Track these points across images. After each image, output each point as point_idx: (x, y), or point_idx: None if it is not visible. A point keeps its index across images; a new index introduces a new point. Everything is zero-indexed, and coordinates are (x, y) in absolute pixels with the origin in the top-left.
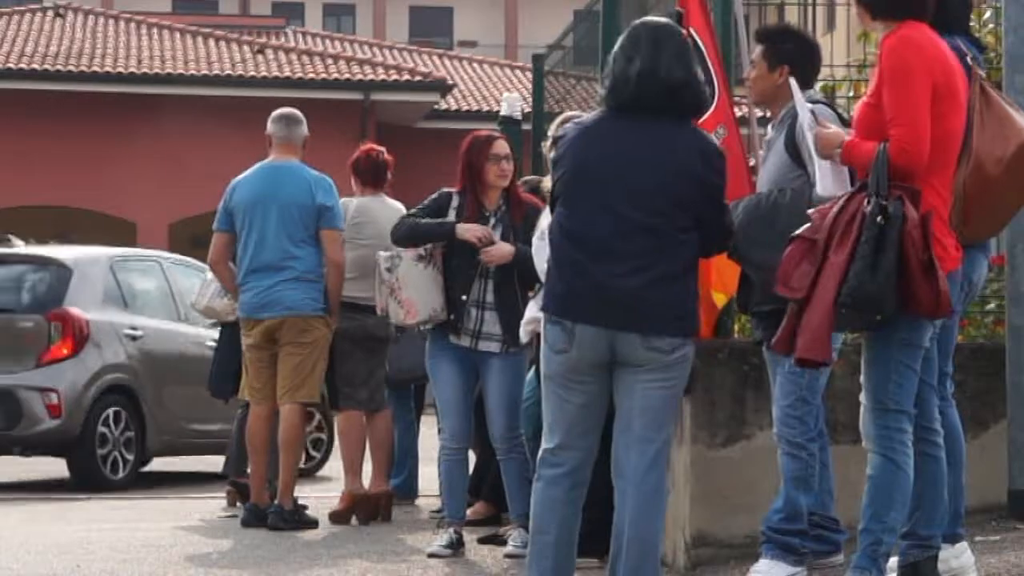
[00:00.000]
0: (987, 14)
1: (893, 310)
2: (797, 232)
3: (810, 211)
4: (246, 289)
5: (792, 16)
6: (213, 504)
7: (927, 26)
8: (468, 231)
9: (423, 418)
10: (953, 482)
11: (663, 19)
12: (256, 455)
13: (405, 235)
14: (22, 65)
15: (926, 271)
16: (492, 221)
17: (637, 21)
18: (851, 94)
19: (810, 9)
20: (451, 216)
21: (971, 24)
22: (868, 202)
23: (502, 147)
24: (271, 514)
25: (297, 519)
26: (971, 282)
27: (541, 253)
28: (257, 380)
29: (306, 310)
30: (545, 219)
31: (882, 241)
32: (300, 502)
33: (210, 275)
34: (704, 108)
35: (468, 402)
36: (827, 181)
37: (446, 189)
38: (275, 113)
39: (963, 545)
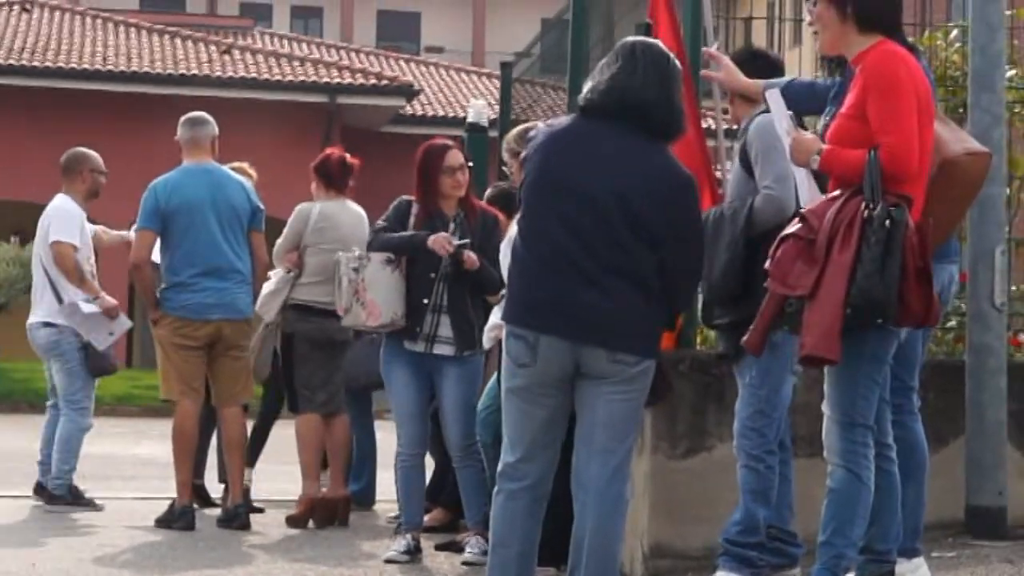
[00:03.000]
0: (953, 33)
1: (893, 315)
2: (788, 231)
3: (803, 209)
4: (195, 290)
5: (759, 31)
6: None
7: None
8: (438, 244)
9: (382, 424)
10: (914, 496)
11: (661, 47)
12: (190, 455)
13: (382, 247)
14: None
15: (920, 278)
16: (452, 227)
17: (633, 40)
18: None
19: (776, 24)
20: (411, 223)
21: (938, 43)
22: (868, 206)
23: (455, 158)
24: (241, 514)
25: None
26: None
27: (507, 259)
28: (195, 379)
29: (249, 313)
30: (514, 226)
31: (890, 244)
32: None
33: None
34: (676, 135)
35: (424, 408)
36: (804, 189)
37: (405, 197)
38: (183, 118)
39: (920, 560)
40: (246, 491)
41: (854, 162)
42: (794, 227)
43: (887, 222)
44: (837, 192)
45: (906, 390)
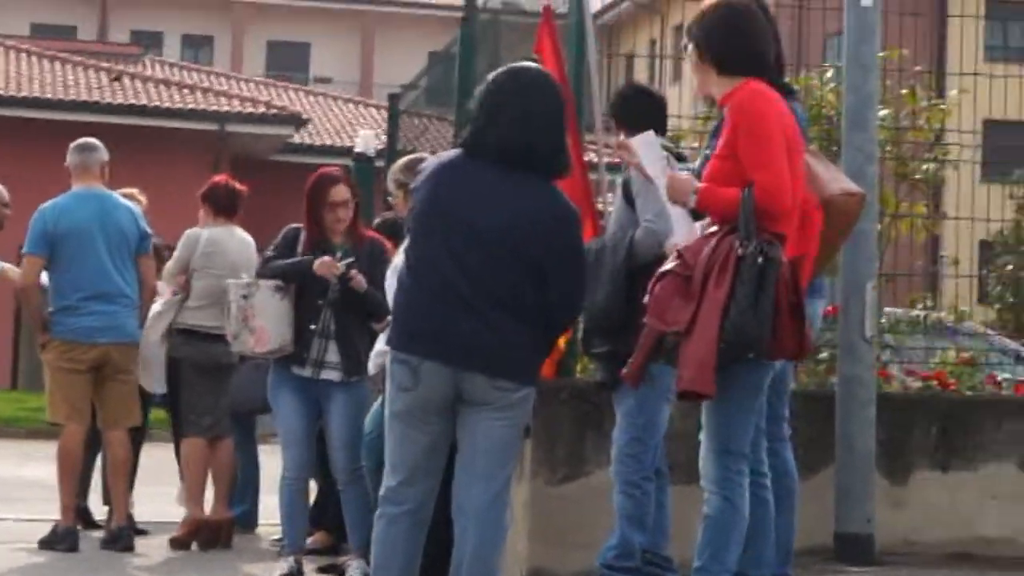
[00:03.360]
0: (828, 73)
1: (765, 349)
2: (667, 267)
3: (678, 247)
4: (83, 314)
5: (641, 67)
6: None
7: (764, 82)
8: (324, 268)
9: (265, 448)
10: (785, 522)
11: (537, 68)
12: (75, 477)
13: (272, 275)
14: None
15: (793, 313)
16: (339, 254)
17: (512, 67)
18: (696, 144)
19: (657, 62)
20: (299, 250)
21: (813, 82)
22: (741, 243)
23: (339, 193)
24: (124, 536)
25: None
26: None
27: (392, 286)
28: (81, 402)
29: (137, 337)
30: (399, 254)
31: (763, 281)
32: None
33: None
34: (564, 174)
35: (310, 433)
36: (680, 227)
37: (293, 226)
38: (73, 144)
39: None
40: (130, 513)
41: (729, 200)
42: (671, 264)
43: (759, 259)
44: (714, 228)
45: (777, 419)
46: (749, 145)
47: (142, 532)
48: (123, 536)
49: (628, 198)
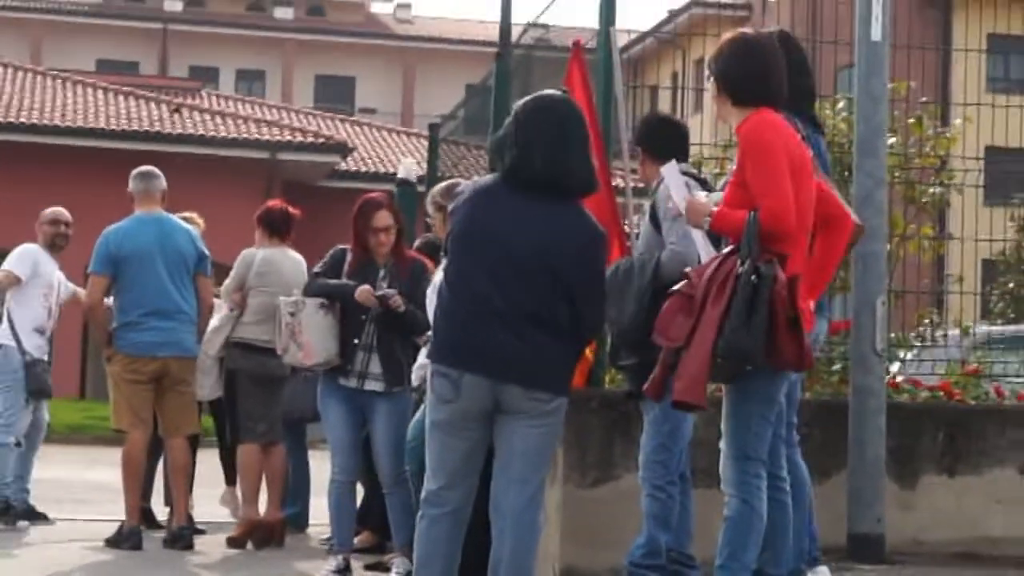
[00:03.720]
0: (840, 103)
1: (762, 362)
2: (675, 288)
3: (687, 269)
4: (144, 329)
5: (664, 98)
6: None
7: (776, 112)
8: (363, 296)
9: (314, 453)
10: (799, 520)
11: (559, 95)
12: (138, 480)
13: (315, 293)
14: None
15: (791, 327)
16: (382, 272)
17: (541, 96)
18: (716, 170)
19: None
20: (346, 270)
21: (825, 112)
22: (742, 263)
23: (382, 220)
24: (185, 535)
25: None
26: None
27: (433, 304)
28: (144, 411)
29: (195, 351)
30: (439, 273)
31: (755, 299)
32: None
33: None
34: (592, 192)
35: (356, 439)
36: (702, 249)
37: (340, 246)
38: (135, 171)
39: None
40: (189, 514)
41: (738, 222)
42: (680, 284)
43: (753, 277)
44: (727, 249)
45: (788, 426)
46: (755, 172)
47: (201, 531)
48: (183, 535)
49: (655, 222)
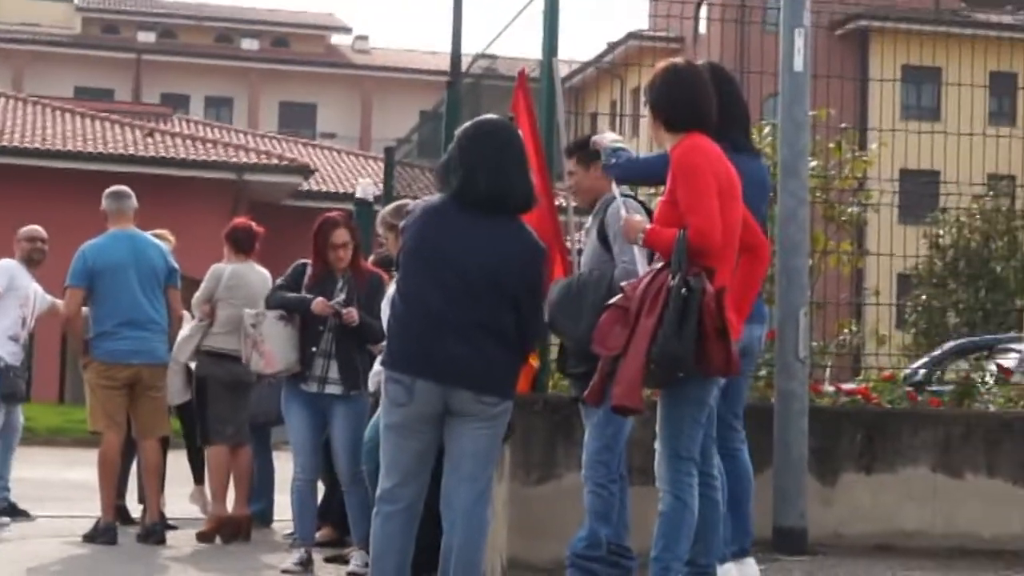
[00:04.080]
0: (766, 129)
1: (693, 369)
2: (611, 302)
3: (623, 284)
4: (118, 338)
5: (603, 124)
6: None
7: (706, 136)
8: (320, 308)
9: (278, 454)
10: (741, 508)
11: (504, 122)
12: (113, 479)
13: (275, 306)
14: None
15: (719, 336)
16: (340, 283)
17: (482, 121)
18: (652, 191)
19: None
20: (306, 282)
21: (753, 137)
22: (673, 277)
23: (340, 236)
24: (157, 531)
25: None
26: (741, 349)
27: (387, 314)
28: (118, 415)
29: (166, 359)
30: (392, 286)
31: (685, 310)
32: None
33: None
34: (531, 208)
35: (317, 440)
36: (639, 263)
37: (302, 261)
38: (108, 191)
39: (729, 564)
40: (161, 511)
41: (668, 240)
42: (616, 298)
43: (684, 290)
44: (659, 264)
45: (733, 427)
46: (684, 193)
47: (172, 527)
48: (156, 531)
49: (603, 240)
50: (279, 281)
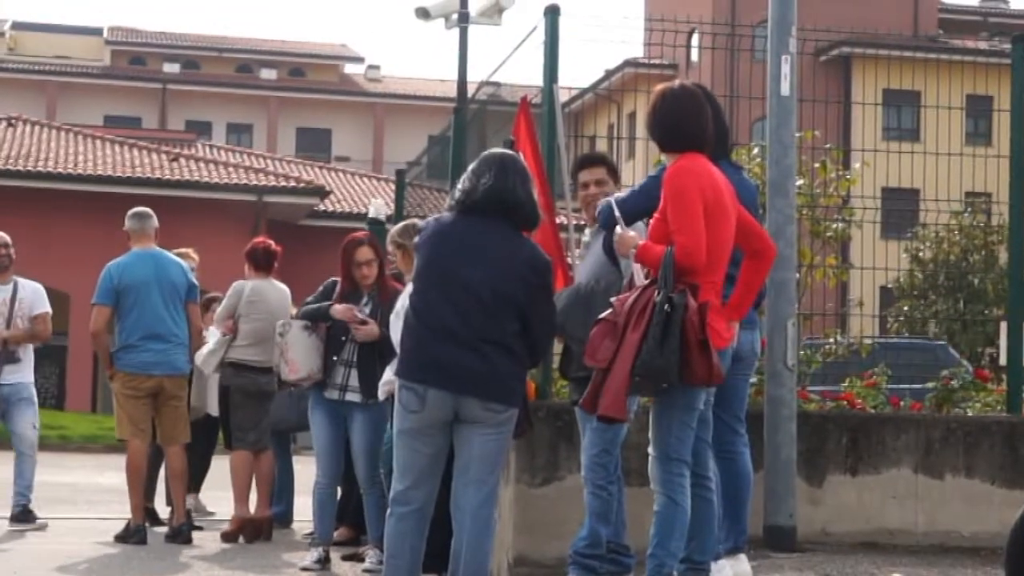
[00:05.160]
0: (755, 150)
1: (677, 380)
2: (602, 316)
3: (612, 299)
4: (142, 350)
5: (601, 146)
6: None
7: (702, 156)
8: (339, 312)
9: (298, 458)
10: (738, 507)
11: (508, 152)
12: (141, 483)
13: (301, 316)
14: None
15: (702, 349)
16: (365, 299)
17: (488, 151)
18: None
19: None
20: (335, 297)
21: (742, 157)
22: (658, 293)
23: (363, 254)
24: (184, 531)
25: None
26: (737, 355)
27: (396, 327)
28: (143, 423)
29: (186, 370)
30: (400, 300)
31: (669, 325)
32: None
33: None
34: (535, 225)
35: (339, 445)
36: (637, 276)
37: (333, 279)
38: (130, 211)
39: (723, 561)
40: (188, 512)
41: (658, 256)
42: (606, 312)
43: (667, 307)
44: (647, 281)
45: (735, 430)
46: (671, 213)
47: (198, 528)
48: (183, 531)
49: (611, 255)
50: (310, 297)
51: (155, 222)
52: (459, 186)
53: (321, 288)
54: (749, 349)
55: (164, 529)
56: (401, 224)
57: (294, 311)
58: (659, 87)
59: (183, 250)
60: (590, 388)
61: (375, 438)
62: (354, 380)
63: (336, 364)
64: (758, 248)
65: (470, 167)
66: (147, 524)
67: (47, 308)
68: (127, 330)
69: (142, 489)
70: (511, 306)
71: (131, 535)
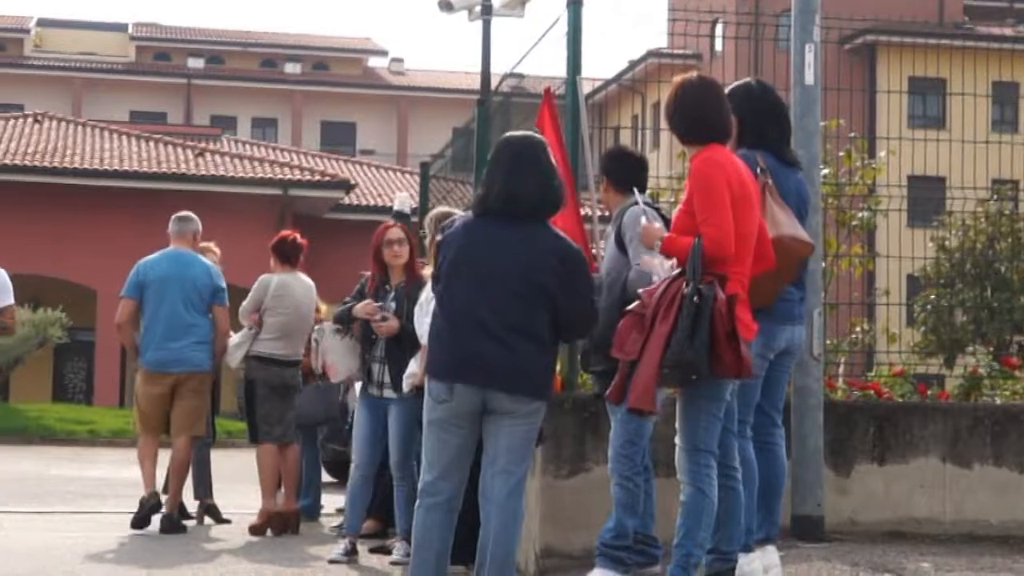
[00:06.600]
0: None
1: (707, 372)
2: (629, 308)
3: (640, 290)
4: (159, 348)
5: (626, 137)
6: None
7: (724, 147)
8: (360, 310)
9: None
10: (747, 503)
11: (526, 135)
12: (149, 471)
13: (334, 320)
14: (6, 161)
15: (730, 340)
16: (392, 294)
17: (503, 137)
18: (672, 199)
19: (639, 133)
20: (365, 292)
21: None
22: (686, 285)
23: (394, 233)
24: (173, 520)
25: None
26: (771, 348)
27: (421, 321)
28: (153, 420)
29: (204, 367)
30: (424, 293)
31: (698, 317)
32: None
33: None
34: (559, 207)
35: (376, 439)
36: (657, 268)
37: (363, 273)
38: (174, 215)
39: (754, 554)
40: (181, 504)
41: (684, 247)
42: (634, 304)
43: (696, 298)
44: (675, 273)
45: (772, 422)
46: (699, 203)
47: (226, 521)
48: (172, 520)
49: (620, 246)
50: (347, 298)
51: (194, 226)
52: (478, 189)
53: (356, 287)
54: (798, 343)
55: (191, 522)
56: (434, 212)
57: (319, 304)
58: (677, 79)
59: (203, 244)
60: (617, 380)
61: (408, 430)
62: (387, 376)
63: (371, 362)
64: (759, 252)
65: (489, 159)
66: (175, 514)
67: (11, 301)
68: (148, 324)
69: (151, 477)
70: (542, 296)
71: (144, 509)
